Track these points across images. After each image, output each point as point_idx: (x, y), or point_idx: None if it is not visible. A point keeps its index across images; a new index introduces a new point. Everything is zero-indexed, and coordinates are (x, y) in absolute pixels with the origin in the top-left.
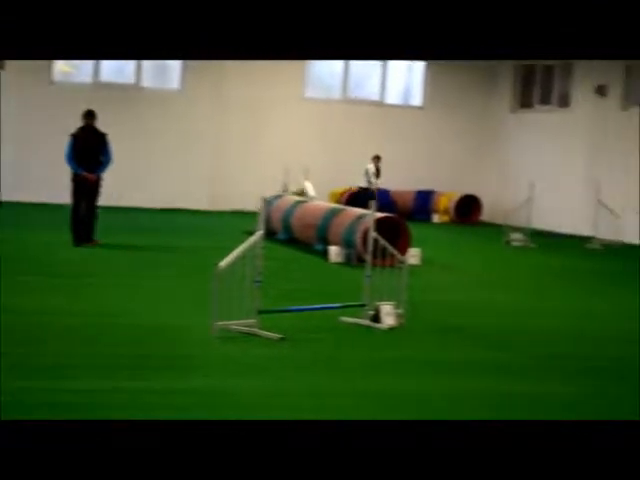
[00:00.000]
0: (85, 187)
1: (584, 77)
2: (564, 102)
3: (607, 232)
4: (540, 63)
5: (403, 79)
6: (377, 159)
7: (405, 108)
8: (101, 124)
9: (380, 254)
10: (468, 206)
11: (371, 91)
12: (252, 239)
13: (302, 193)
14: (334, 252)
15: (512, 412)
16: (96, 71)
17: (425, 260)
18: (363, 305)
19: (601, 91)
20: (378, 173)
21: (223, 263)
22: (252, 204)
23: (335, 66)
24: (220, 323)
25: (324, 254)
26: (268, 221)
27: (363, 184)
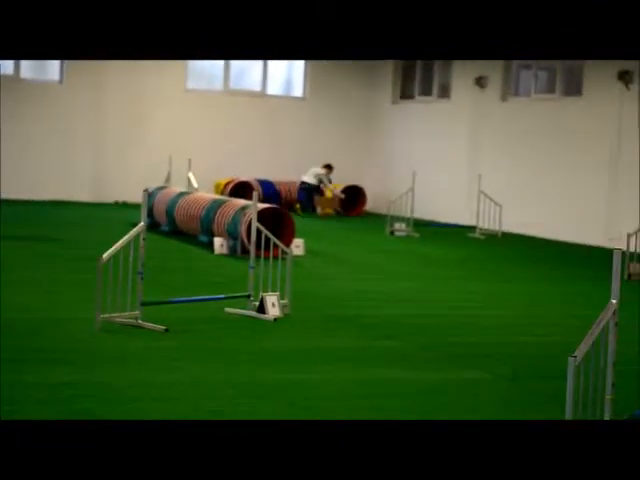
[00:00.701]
0: None
1: (463, 69)
2: (444, 93)
3: (488, 221)
4: None
5: (285, 70)
6: (329, 169)
7: (287, 99)
8: None
9: (264, 245)
10: (352, 197)
11: (253, 82)
12: (134, 231)
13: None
14: (218, 243)
15: (399, 399)
16: None
17: (309, 251)
18: (248, 296)
19: (480, 83)
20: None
21: (105, 255)
22: (136, 196)
23: None
24: (104, 316)
25: (209, 245)
26: (152, 213)
27: (311, 180)
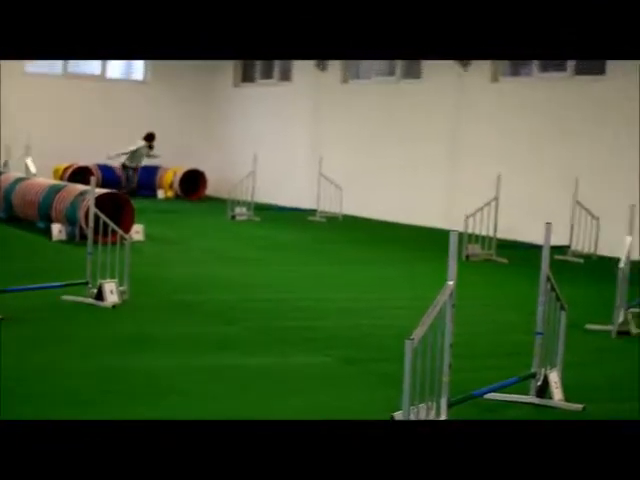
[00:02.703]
0: None
1: None
2: (286, 76)
3: (329, 205)
4: None
5: None
6: (150, 140)
7: (127, 82)
8: None
9: (102, 231)
10: (193, 181)
11: (92, 66)
12: None
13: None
14: (56, 229)
15: (235, 384)
16: None
17: (150, 236)
18: (86, 283)
19: (321, 65)
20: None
21: None
22: None
23: None
24: None
25: (46, 232)
26: None
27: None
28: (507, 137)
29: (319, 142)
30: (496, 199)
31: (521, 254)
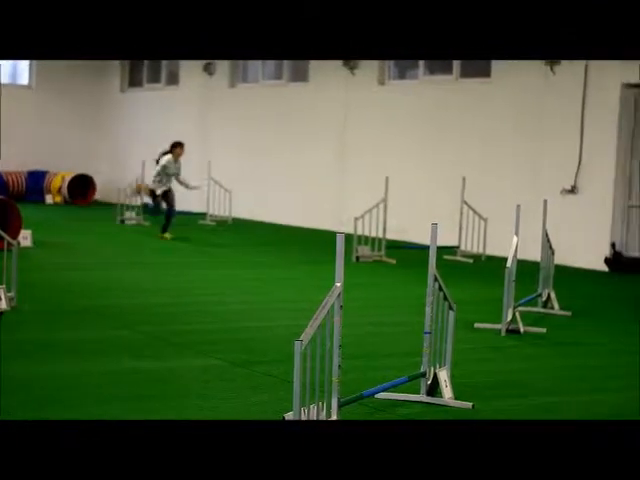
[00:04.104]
0: None
1: None
2: (173, 80)
3: (219, 208)
4: None
5: None
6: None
7: (12, 87)
8: None
9: None
10: (82, 186)
11: None
12: None
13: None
14: None
15: (136, 388)
16: None
17: (38, 242)
18: None
19: (209, 69)
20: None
21: None
22: None
23: None
24: None
25: None
26: None
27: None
28: (395, 139)
29: (208, 146)
30: (385, 201)
31: (410, 255)
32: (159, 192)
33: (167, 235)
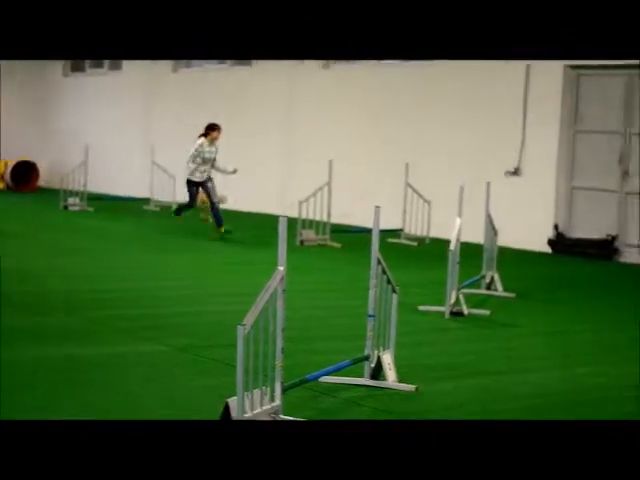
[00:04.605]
0: None
1: None
2: (116, 65)
3: (162, 194)
4: None
5: None
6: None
7: None
8: None
9: None
10: (25, 172)
11: None
12: None
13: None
14: None
15: (80, 375)
16: None
17: None
18: None
19: None
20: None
21: None
22: None
23: None
24: None
25: None
26: None
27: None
28: (339, 123)
29: (152, 131)
30: (329, 184)
31: (355, 238)
32: (197, 180)
33: (222, 229)
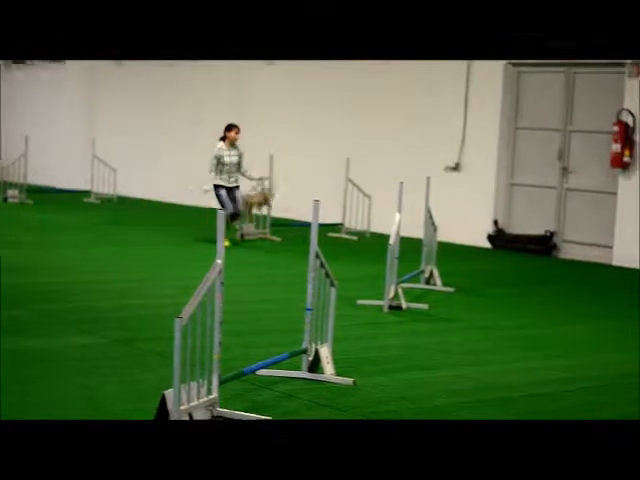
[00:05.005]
0: None
1: None
2: None
3: (103, 186)
4: None
5: None
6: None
7: None
8: None
9: None
10: None
11: None
12: None
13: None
14: None
15: (23, 368)
16: None
17: None
18: None
19: None
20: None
21: None
22: None
23: None
24: None
25: None
26: None
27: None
28: (282, 118)
29: (93, 123)
30: (270, 179)
31: (295, 233)
32: (224, 183)
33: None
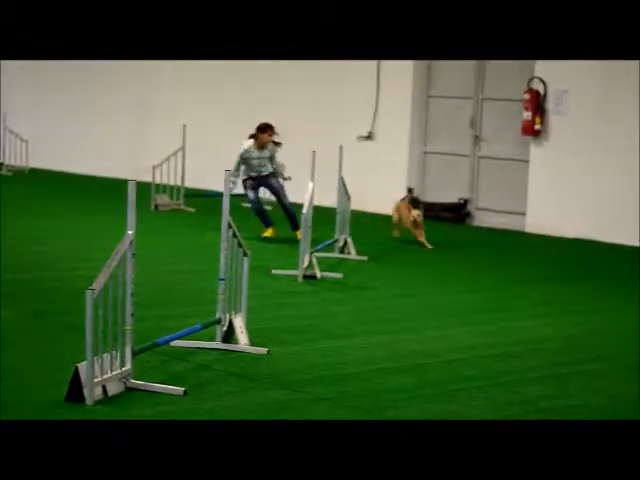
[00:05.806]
0: None
1: None
2: None
3: (15, 159)
4: None
5: None
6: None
7: None
8: None
9: None
10: None
11: None
12: None
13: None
14: None
15: None
16: None
17: None
18: None
19: None
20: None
21: None
22: None
23: None
24: None
25: None
26: None
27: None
28: (194, 88)
29: (4, 96)
30: (183, 149)
31: (209, 203)
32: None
33: (268, 232)
